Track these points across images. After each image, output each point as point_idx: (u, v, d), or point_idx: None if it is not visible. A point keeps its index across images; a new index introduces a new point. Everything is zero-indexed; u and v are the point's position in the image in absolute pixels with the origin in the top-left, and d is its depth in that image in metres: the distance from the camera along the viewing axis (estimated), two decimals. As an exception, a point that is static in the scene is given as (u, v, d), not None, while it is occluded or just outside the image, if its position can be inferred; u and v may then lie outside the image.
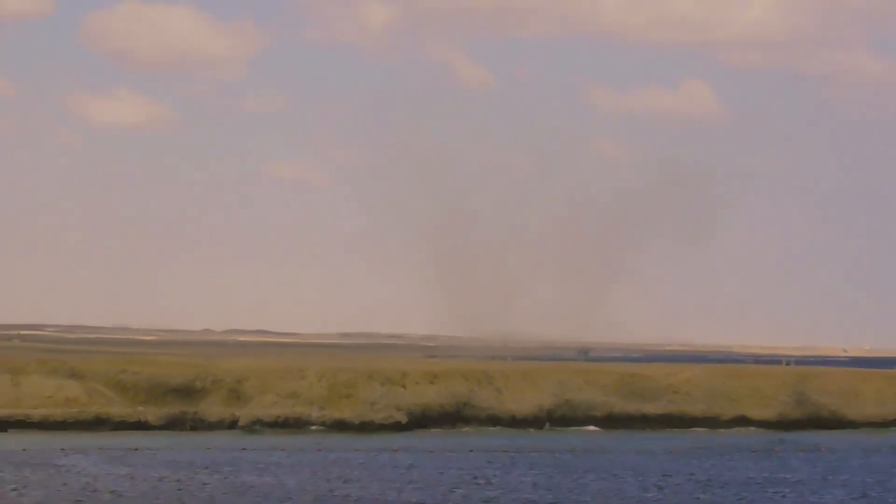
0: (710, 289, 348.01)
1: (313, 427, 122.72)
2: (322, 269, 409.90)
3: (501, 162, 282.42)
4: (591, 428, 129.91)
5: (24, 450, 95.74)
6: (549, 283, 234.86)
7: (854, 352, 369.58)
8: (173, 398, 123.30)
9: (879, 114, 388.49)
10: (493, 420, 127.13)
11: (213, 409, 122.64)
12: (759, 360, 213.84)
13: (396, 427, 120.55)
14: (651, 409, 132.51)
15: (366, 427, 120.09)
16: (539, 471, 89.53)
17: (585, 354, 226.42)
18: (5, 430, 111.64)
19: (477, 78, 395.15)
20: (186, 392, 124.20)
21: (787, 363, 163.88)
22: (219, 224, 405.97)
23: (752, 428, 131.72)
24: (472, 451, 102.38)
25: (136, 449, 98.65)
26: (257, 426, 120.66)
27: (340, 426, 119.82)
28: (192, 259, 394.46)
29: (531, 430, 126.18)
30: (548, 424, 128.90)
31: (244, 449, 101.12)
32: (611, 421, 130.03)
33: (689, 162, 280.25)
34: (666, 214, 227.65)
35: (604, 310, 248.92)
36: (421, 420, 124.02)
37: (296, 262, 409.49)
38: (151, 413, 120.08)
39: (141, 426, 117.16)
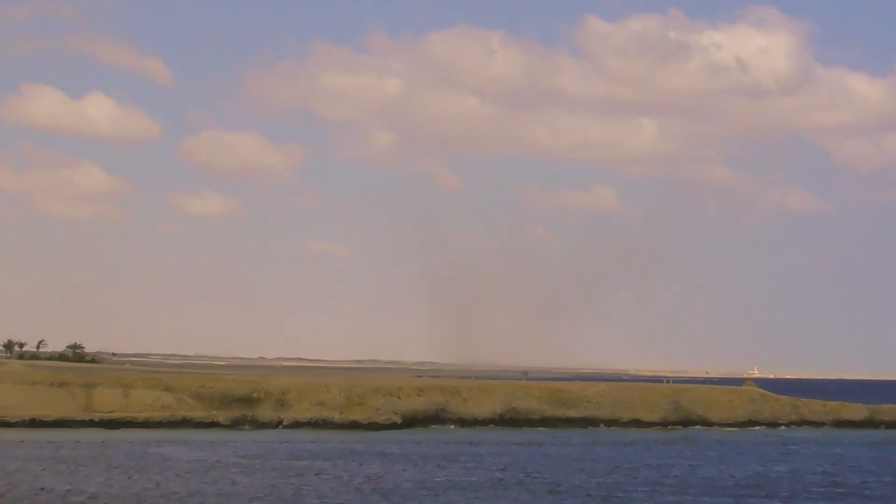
0: (611, 334, 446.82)
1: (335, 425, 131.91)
2: (342, 315, 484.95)
3: (469, 240, 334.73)
4: (540, 428, 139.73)
5: (130, 442, 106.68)
6: (501, 326, 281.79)
7: (713, 374, 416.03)
8: (237, 405, 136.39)
9: (725, 206, 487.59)
10: (461, 421, 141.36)
11: (265, 413, 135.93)
12: (646, 379, 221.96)
13: (394, 426, 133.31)
14: (572, 413, 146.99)
15: (372, 426, 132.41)
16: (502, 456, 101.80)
17: (525, 375, 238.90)
18: (119, 428, 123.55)
19: (451, 183, 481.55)
20: (246, 401, 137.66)
21: (667, 381, 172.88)
22: (272, 284, 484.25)
23: (644, 428, 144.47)
24: (447, 442, 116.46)
25: (211, 441, 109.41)
26: (296, 425, 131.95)
27: (354, 426, 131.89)
28: (252, 308, 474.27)
29: (487, 427, 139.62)
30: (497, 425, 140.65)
31: (286, 441, 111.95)
32: (544, 422, 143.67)
33: (596, 244, 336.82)
34: (581, 283, 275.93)
35: (540, 345, 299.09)
36: (411, 421, 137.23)
37: (324, 310, 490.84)
38: (221, 415, 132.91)
39: (214, 425, 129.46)
